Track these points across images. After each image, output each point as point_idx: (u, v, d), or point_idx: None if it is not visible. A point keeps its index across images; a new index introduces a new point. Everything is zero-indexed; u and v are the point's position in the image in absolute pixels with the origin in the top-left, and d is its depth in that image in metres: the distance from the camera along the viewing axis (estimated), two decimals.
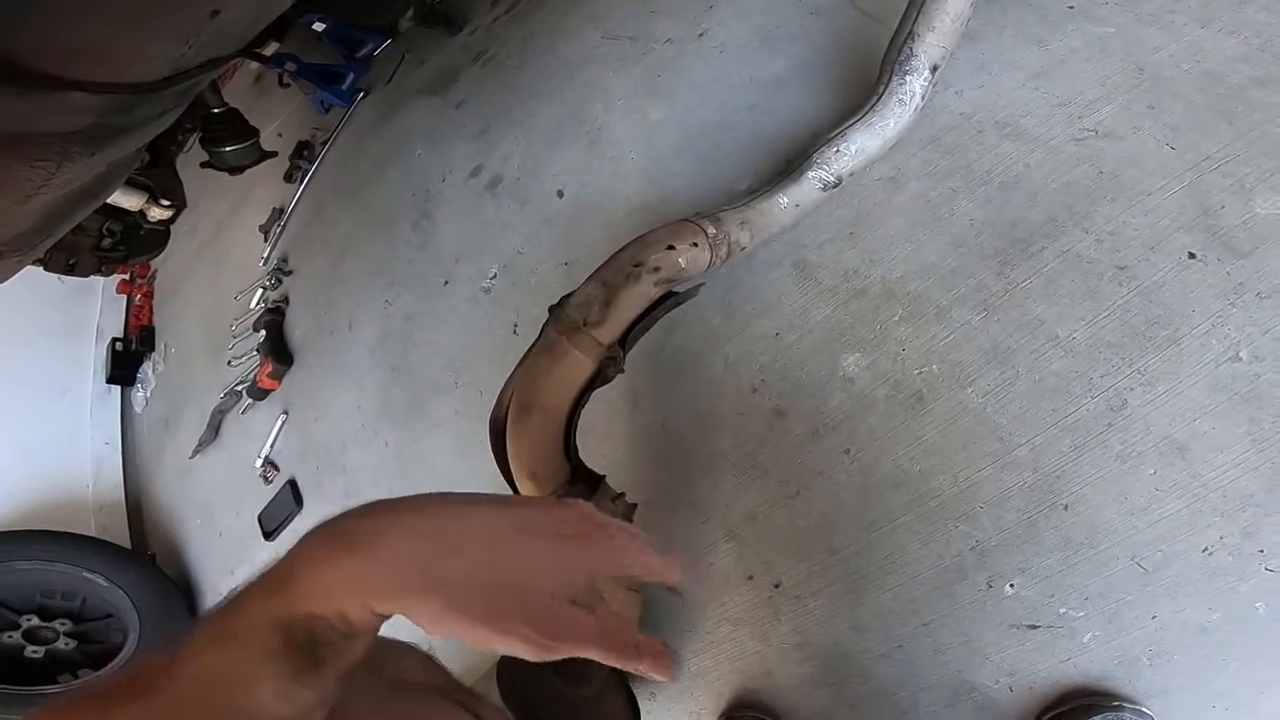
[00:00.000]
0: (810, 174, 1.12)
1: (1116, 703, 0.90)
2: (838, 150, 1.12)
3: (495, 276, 1.46)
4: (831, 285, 1.13)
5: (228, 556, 1.98)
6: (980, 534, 0.97)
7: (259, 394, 1.88)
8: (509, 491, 1.03)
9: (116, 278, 2.65)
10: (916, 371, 1.04)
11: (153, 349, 2.43)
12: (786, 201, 1.12)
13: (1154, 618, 0.90)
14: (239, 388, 1.96)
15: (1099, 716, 0.89)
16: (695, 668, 1.15)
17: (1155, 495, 0.91)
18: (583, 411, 0.97)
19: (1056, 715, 0.92)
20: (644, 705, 1.18)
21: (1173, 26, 1.07)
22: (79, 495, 2.27)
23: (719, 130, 1.32)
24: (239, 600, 0.38)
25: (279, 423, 1.83)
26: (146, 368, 2.40)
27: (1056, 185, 1.05)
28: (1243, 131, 0.98)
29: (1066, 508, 0.94)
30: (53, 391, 2.38)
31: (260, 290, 2.02)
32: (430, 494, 0.43)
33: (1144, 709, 0.90)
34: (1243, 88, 1.00)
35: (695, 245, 1.02)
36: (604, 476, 1.02)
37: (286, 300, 1.93)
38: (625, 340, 0.98)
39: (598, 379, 0.97)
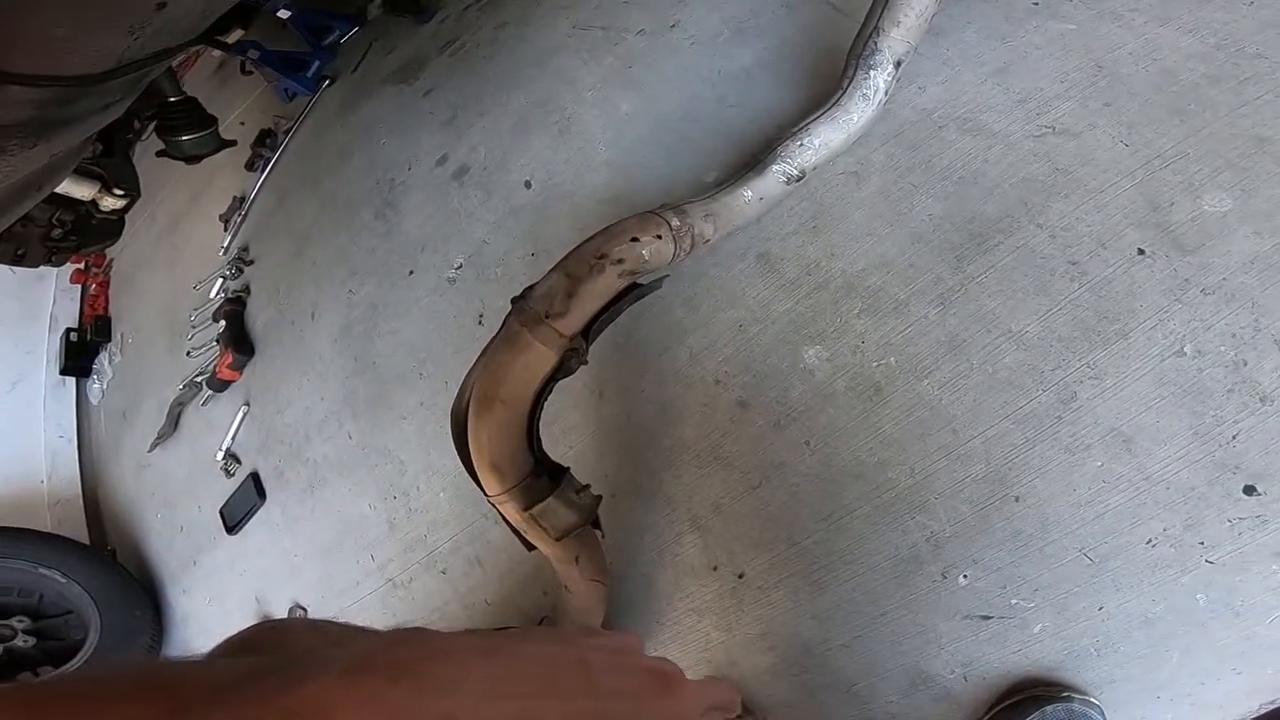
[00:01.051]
0: (774, 167, 1.13)
1: (1066, 693, 0.93)
2: (801, 144, 1.13)
3: (461, 267, 1.45)
4: (794, 278, 1.14)
5: (189, 549, 1.95)
6: (935, 525, 0.99)
7: (219, 385, 1.85)
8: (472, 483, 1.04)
9: (71, 267, 2.58)
10: (875, 364, 1.06)
11: (109, 339, 2.37)
12: (751, 195, 1.13)
13: (1100, 609, 0.92)
14: (198, 379, 1.92)
15: (1049, 707, 0.91)
16: (663, 655, 1.16)
17: (1102, 487, 0.93)
18: (547, 403, 0.97)
19: (1008, 706, 0.94)
20: None
21: (1132, 24, 1.10)
22: (34, 490, 2.22)
23: (687, 122, 1.32)
24: None
25: (240, 414, 1.80)
26: (103, 359, 2.35)
27: (1013, 181, 1.07)
28: (1194, 129, 1.01)
29: (1018, 499, 0.96)
30: (3, 383, 2.32)
31: (220, 280, 1.98)
32: (480, 631, 0.35)
33: (1092, 699, 0.92)
34: (1197, 85, 1.03)
35: (659, 237, 1.02)
36: (568, 469, 1.02)
37: (247, 290, 1.90)
38: (589, 332, 0.98)
39: (560, 371, 0.97)
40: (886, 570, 1.00)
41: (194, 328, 1.99)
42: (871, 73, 1.11)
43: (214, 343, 1.90)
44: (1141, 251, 0.99)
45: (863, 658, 1.02)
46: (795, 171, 1.13)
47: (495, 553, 1.32)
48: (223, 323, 1.84)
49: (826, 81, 1.22)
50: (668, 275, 1.07)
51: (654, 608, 1.16)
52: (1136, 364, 0.95)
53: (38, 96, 0.76)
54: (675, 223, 1.04)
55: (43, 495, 2.22)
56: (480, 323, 1.39)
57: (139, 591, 2.06)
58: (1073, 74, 1.10)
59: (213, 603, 1.93)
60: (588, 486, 1.02)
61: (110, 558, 2.09)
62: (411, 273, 1.52)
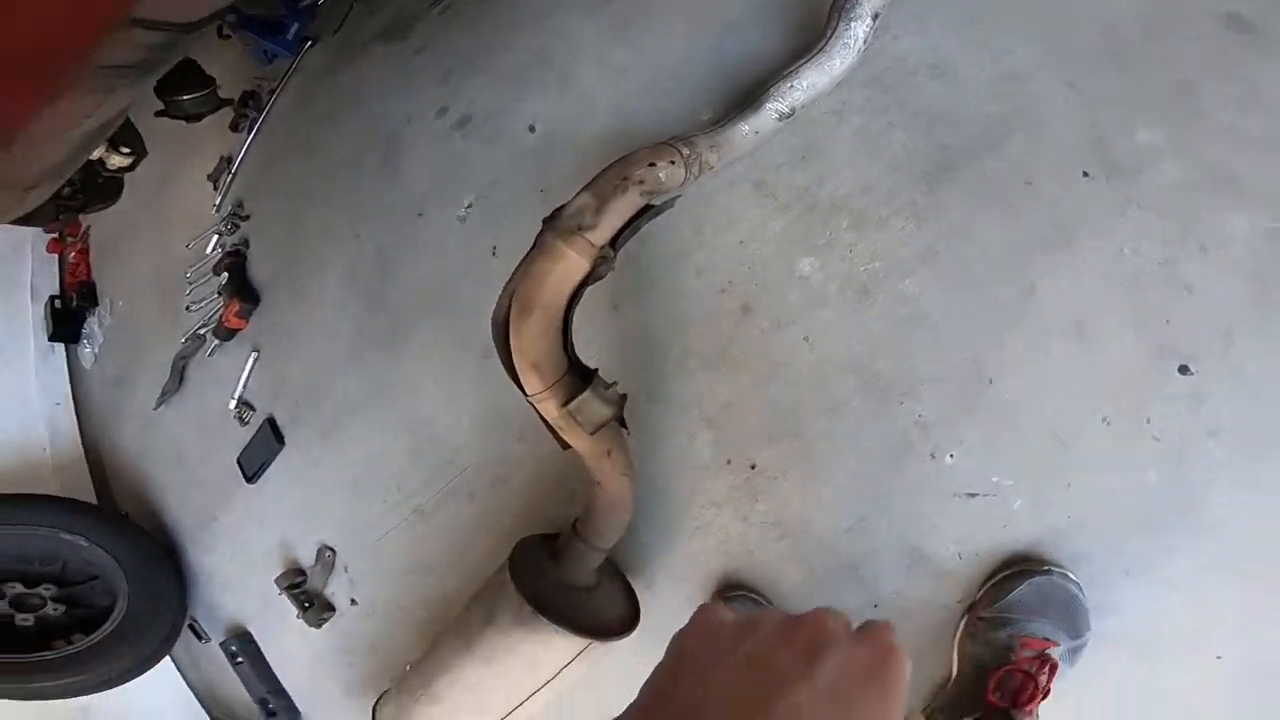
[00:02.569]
0: (768, 105, 1.25)
1: (1046, 567, 1.07)
2: (791, 85, 1.25)
3: (470, 206, 1.54)
4: (786, 201, 1.27)
5: (207, 506, 2.00)
6: (922, 409, 1.14)
7: (226, 334, 1.89)
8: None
9: (45, 237, 2.55)
10: (862, 269, 1.20)
11: (95, 304, 2.37)
12: (748, 129, 1.25)
13: (1069, 486, 1.08)
14: (201, 331, 1.96)
15: (1030, 580, 1.05)
16: (685, 553, 1.29)
17: (1062, 372, 1.09)
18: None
19: (999, 580, 1.08)
20: (641, 595, 1.32)
21: None
22: (36, 458, 2.22)
23: (683, 67, 1.43)
24: None
25: (250, 361, 1.85)
26: (91, 323, 2.35)
27: (976, 119, 1.20)
28: (1131, 76, 1.15)
29: (991, 382, 1.12)
30: None
31: (216, 236, 2.00)
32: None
33: (1069, 574, 1.06)
34: (1134, 38, 1.17)
35: (673, 163, 1.14)
36: (597, 370, 1.14)
37: (246, 243, 1.93)
38: (615, 243, 1.10)
39: (591, 276, 1.09)
40: (882, 455, 1.15)
41: (191, 284, 2.02)
42: (852, 23, 1.23)
43: (215, 295, 1.94)
44: (1086, 174, 1.14)
45: (865, 540, 1.17)
46: (786, 109, 1.25)
47: (519, 468, 1.44)
48: (225, 275, 1.88)
49: (809, 32, 1.34)
50: (679, 195, 1.19)
51: (674, 505, 1.29)
52: (1086, 264, 1.11)
53: (152, 40, 0.84)
54: (685, 151, 1.17)
55: (46, 463, 2.23)
56: (494, 254, 1.49)
57: (161, 553, 2.10)
58: (1030, 28, 1.23)
59: (236, 557, 1.99)
60: (615, 384, 1.15)
61: (127, 520, 2.11)
62: (420, 215, 1.60)
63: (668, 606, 1.33)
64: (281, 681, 2.04)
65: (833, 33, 1.25)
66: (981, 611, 1.08)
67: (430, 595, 1.59)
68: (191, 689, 2.31)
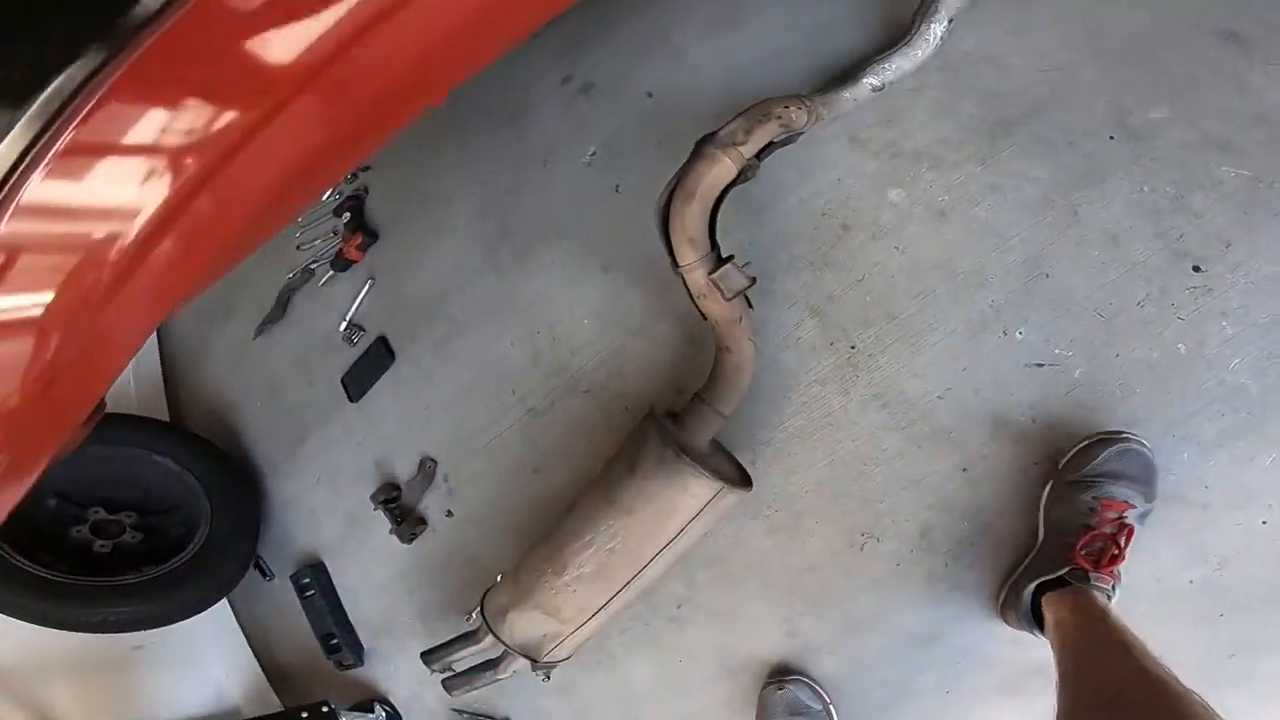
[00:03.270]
0: (865, 80, 1.58)
1: (1124, 434, 1.25)
2: (884, 66, 1.58)
3: (594, 154, 1.81)
4: (876, 150, 1.58)
5: (297, 431, 2.14)
6: (994, 296, 1.42)
7: (343, 265, 2.07)
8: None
9: None
10: (941, 198, 1.50)
11: None
12: (849, 96, 1.58)
13: (1117, 355, 1.36)
14: (312, 266, 2.14)
15: (1113, 446, 1.23)
16: (791, 428, 1.52)
17: (1102, 266, 1.39)
18: None
19: (1080, 448, 1.26)
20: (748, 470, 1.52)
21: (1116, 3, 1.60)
22: (121, 391, 2.32)
23: (782, 53, 1.76)
24: None
25: (365, 287, 2.04)
26: None
27: (1025, 98, 1.52)
28: (1148, 73, 1.48)
29: (1048, 276, 1.41)
30: None
31: (332, 186, 2.21)
32: None
33: (1144, 441, 1.24)
34: (1152, 45, 1.51)
35: (800, 108, 1.45)
36: (732, 256, 1.41)
37: (366, 190, 2.15)
38: (759, 157, 1.40)
39: (739, 179, 1.38)
40: (963, 332, 1.43)
41: (303, 227, 2.22)
42: (932, 25, 1.57)
43: (331, 234, 2.14)
44: (1112, 137, 1.47)
45: (954, 406, 1.43)
46: (879, 84, 1.58)
47: (634, 362, 1.66)
48: (346, 215, 2.09)
49: (890, 30, 1.69)
50: (802, 134, 1.49)
51: (782, 383, 1.53)
52: (1115, 197, 1.42)
53: None
54: (807, 102, 1.49)
55: (131, 397, 2.33)
56: (617, 191, 1.75)
57: (244, 479, 2.20)
58: (1069, 35, 1.55)
59: (323, 481, 2.11)
60: (748, 263, 1.41)
61: (215, 446, 2.21)
62: (546, 163, 1.87)
63: (768, 479, 1.53)
64: (350, 614, 2.12)
65: (916, 31, 1.61)
66: (1068, 475, 1.25)
67: (538, 493, 1.76)
68: (244, 632, 2.35)
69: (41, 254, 0.77)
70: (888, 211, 1.52)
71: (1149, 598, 1.32)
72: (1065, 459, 1.30)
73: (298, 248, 2.23)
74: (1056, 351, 1.39)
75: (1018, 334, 1.41)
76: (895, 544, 1.47)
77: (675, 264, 1.42)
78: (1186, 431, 1.33)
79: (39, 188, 0.72)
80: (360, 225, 2.10)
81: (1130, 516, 1.19)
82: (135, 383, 2.39)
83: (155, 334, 2.48)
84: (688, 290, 1.43)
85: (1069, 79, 1.53)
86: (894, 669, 1.50)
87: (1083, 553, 1.19)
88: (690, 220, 1.37)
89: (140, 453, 2.13)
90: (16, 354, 0.79)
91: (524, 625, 1.57)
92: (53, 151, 0.71)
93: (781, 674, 1.55)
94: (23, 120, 0.69)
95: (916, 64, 1.61)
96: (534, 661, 1.62)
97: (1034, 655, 1.38)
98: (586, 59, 1.97)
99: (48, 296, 0.77)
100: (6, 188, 0.71)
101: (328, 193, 2.23)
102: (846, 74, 1.66)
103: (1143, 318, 1.36)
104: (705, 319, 1.46)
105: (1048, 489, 1.33)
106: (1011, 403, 1.40)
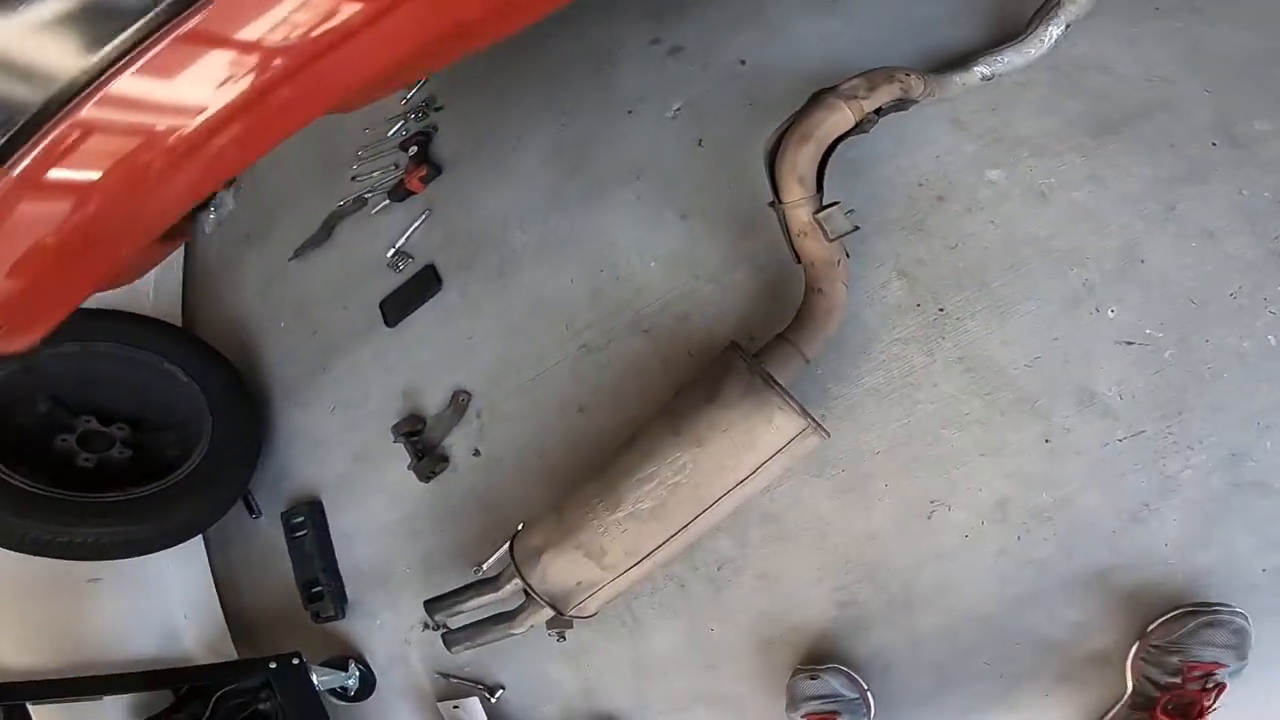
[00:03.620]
0: (975, 68, 1.59)
1: (1214, 607, 1.19)
2: (996, 58, 1.60)
3: (679, 109, 1.80)
4: (979, 133, 1.57)
5: (319, 355, 2.04)
6: (1089, 275, 1.40)
7: (401, 195, 2.02)
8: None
9: None
10: (1040, 182, 1.49)
11: (234, 180, 2.46)
12: (959, 80, 1.58)
13: (1207, 341, 1.34)
14: (367, 195, 2.08)
15: (1200, 618, 1.18)
16: (867, 385, 1.47)
17: (1197, 258, 1.37)
18: None
19: (1169, 619, 1.22)
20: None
21: (1218, 27, 1.60)
22: (139, 301, 2.21)
23: (887, 44, 1.76)
24: None
25: (421, 217, 1.98)
26: (224, 195, 2.42)
27: (1133, 102, 1.52)
28: (1255, 88, 1.49)
29: (1143, 261, 1.39)
30: None
31: (401, 121, 2.18)
32: None
33: (1237, 609, 1.19)
34: (1262, 63, 1.52)
35: (920, 79, 1.46)
36: (837, 202, 1.38)
37: (434, 128, 2.11)
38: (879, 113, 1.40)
39: (856, 129, 1.38)
40: (1057, 304, 1.40)
41: (361, 159, 2.17)
42: (1050, 26, 1.60)
43: (392, 167, 2.09)
44: (1214, 144, 1.47)
45: (1041, 377, 1.39)
46: (989, 74, 1.60)
47: (703, 307, 1.61)
48: (413, 149, 2.05)
49: (992, 30, 1.72)
50: (915, 103, 1.49)
51: (863, 339, 1.48)
52: (1215, 197, 1.42)
53: None
54: (923, 74, 1.49)
55: (147, 309, 2.21)
56: (700, 145, 1.73)
57: (254, 404, 2.07)
58: (1175, 48, 1.57)
59: (339, 410, 2.00)
60: (852, 210, 1.38)
61: (228, 362, 2.09)
62: (630, 112, 1.85)
63: (838, 437, 1.46)
64: (339, 561, 1.98)
65: (1032, 29, 1.63)
66: (1155, 640, 1.21)
67: (578, 435, 1.67)
68: (213, 573, 2.19)
69: (109, 136, 0.88)
70: (985, 189, 1.51)
71: (1220, 587, 1.27)
72: (1154, 625, 1.25)
73: (353, 179, 2.18)
74: (1148, 331, 1.36)
75: (1110, 312, 1.38)
76: (966, 514, 1.40)
77: (778, 200, 1.39)
78: (1272, 420, 1.30)
79: (128, 81, 0.83)
80: (426, 159, 2.05)
81: (1221, 675, 1.16)
82: (154, 290, 2.28)
83: (183, 246, 2.38)
84: (785, 229, 1.40)
85: (1176, 89, 1.55)
86: (946, 649, 1.41)
87: (1168, 707, 1.14)
88: (803, 159, 1.35)
89: (151, 357, 2.01)
90: (63, 209, 0.93)
91: (560, 569, 1.44)
92: (151, 52, 0.81)
93: (816, 660, 1.44)
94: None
95: (1028, 61, 1.63)
96: (559, 614, 1.49)
97: (1094, 643, 1.33)
98: (676, 25, 1.97)
99: (103, 170, 0.89)
100: (100, 79, 0.82)
101: (393, 128, 2.20)
102: (955, 63, 1.68)
103: (1235, 308, 1.34)
104: (799, 261, 1.42)
105: (1134, 649, 1.27)
106: (1100, 376, 1.36)
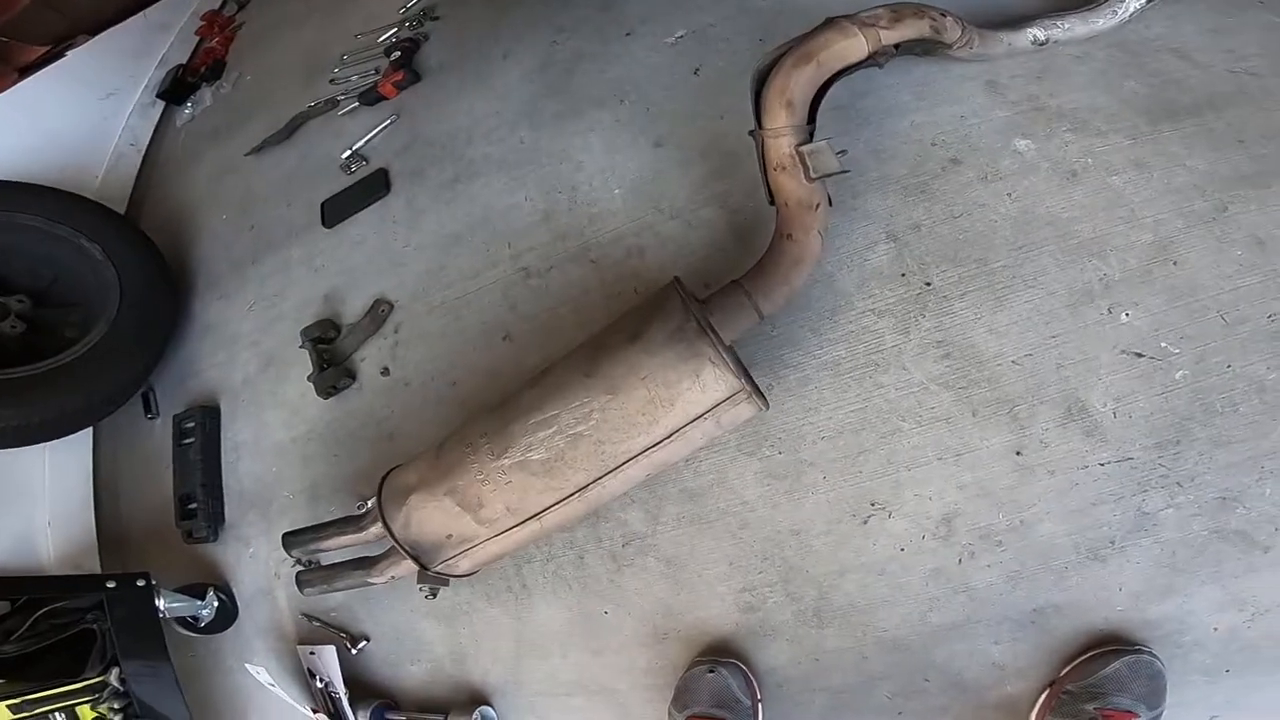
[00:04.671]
0: (1029, 30, 1.38)
1: (1135, 646, 1.07)
2: (1055, 23, 1.39)
3: (682, 36, 1.60)
4: (1015, 100, 1.35)
5: (252, 249, 1.88)
6: (1108, 270, 1.17)
7: (373, 98, 1.85)
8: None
9: (197, 21, 2.56)
10: (1074, 160, 1.27)
11: (218, 79, 2.34)
12: (1005, 40, 1.38)
13: (1229, 367, 1.11)
14: (339, 98, 1.92)
15: (1122, 658, 1.06)
16: (827, 357, 1.25)
17: (1240, 269, 1.15)
18: None
19: (1084, 660, 1.10)
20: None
21: None
22: (85, 182, 2.10)
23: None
24: None
25: (386, 121, 1.81)
26: (204, 91, 2.31)
27: (1204, 91, 1.31)
28: None
29: (1175, 264, 1.17)
30: (99, 90, 2.28)
31: (394, 29, 2.02)
32: None
33: (1155, 653, 1.07)
34: None
35: (958, 23, 1.26)
36: (829, 138, 1.17)
37: (426, 37, 1.95)
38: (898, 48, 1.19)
39: (866, 62, 1.18)
40: (1063, 297, 1.17)
41: (344, 63, 2.01)
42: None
43: (373, 72, 1.92)
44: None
45: (1028, 377, 1.16)
46: (1042, 38, 1.39)
47: (661, 243, 1.40)
48: (396, 54, 1.87)
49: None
50: (947, 49, 1.28)
51: (830, 304, 1.26)
52: (1274, 202, 1.19)
53: None
54: (964, 22, 1.29)
55: (92, 190, 2.10)
56: (695, 74, 1.53)
57: (170, 289, 1.90)
58: (1270, 41, 1.37)
59: (257, 308, 1.81)
60: (845, 151, 1.17)
61: (152, 244, 1.92)
62: (629, 34, 1.66)
63: (781, 413, 1.24)
64: (224, 478, 1.78)
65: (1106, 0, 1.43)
66: (1068, 685, 1.07)
67: (499, 366, 1.46)
68: (95, 477, 1.98)
69: None
70: (1009, 158, 1.29)
71: (1162, 641, 1.08)
72: (1069, 666, 1.11)
73: (330, 81, 2.01)
74: (1163, 344, 1.13)
75: (1124, 315, 1.15)
76: (907, 524, 1.16)
77: (759, 125, 1.18)
78: (1277, 466, 1.07)
79: None
80: (406, 65, 1.88)
81: None
82: (105, 175, 2.14)
83: (147, 140, 2.26)
84: (762, 161, 1.18)
85: (1262, 84, 1.32)
86: (851, 674, 1.18)
87: None
88: (797, 82, 1.14)
89: (68, 233, 1.84)
90: None
91: (427, 516, 1.21)
92: None
93: (717, 654, 1.21)
94: None
95: (1092, 31, 1.41)
96: (423, 569, 1.27)
97: (1009, 689, 1.13)
98: None
99: None
100: None
101: (384, 35, 2.04)
102: (1008, 23, 1.48)
103: (1271, 332, 1.11)
104: (772, 201, 1.20)
105: (1041, 699, 1.12)
106: (1097, 387, 1.13)
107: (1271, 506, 1.06)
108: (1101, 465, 1.11)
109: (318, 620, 1.59)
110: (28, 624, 1.43)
